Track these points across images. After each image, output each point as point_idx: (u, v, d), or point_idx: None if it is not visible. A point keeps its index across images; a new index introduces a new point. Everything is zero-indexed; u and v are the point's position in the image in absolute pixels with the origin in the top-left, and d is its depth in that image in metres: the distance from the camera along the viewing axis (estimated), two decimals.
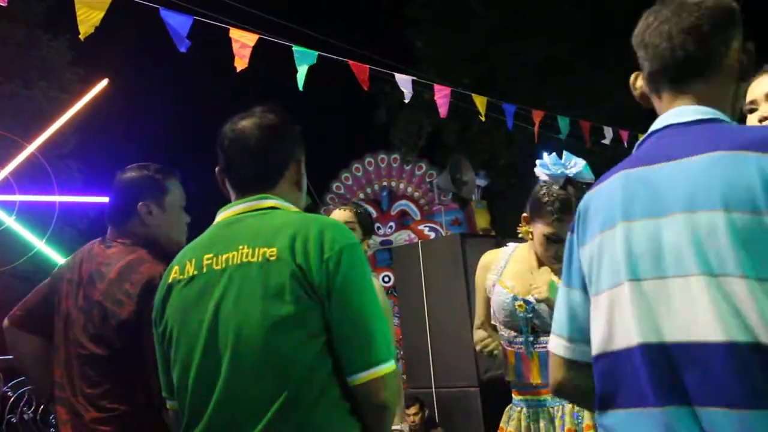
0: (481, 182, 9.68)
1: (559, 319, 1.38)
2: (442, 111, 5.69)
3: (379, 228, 12.21)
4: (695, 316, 1.12)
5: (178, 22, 3.82)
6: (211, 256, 1.54)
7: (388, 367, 1.45)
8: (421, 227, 12.06)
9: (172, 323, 1.56)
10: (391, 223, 12.16)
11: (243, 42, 4.06)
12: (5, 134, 7.93)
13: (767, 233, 1.08)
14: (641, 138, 1.35)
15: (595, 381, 1.27)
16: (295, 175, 1.66)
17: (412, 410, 5.54)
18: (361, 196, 12.89)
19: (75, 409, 1.99)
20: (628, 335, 1.19)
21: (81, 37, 3.39)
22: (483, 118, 6.39)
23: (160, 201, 2.14)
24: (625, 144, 8.15)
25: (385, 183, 12.90)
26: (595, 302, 1.28)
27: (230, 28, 4.16)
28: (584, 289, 1.33)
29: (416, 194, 12.66)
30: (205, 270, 1.53)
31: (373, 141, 13.50)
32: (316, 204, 12.25)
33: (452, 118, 7.82)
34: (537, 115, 7.37)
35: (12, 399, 6.48)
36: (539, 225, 2.42)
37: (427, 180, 12.45)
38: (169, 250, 2.11)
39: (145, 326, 1.82)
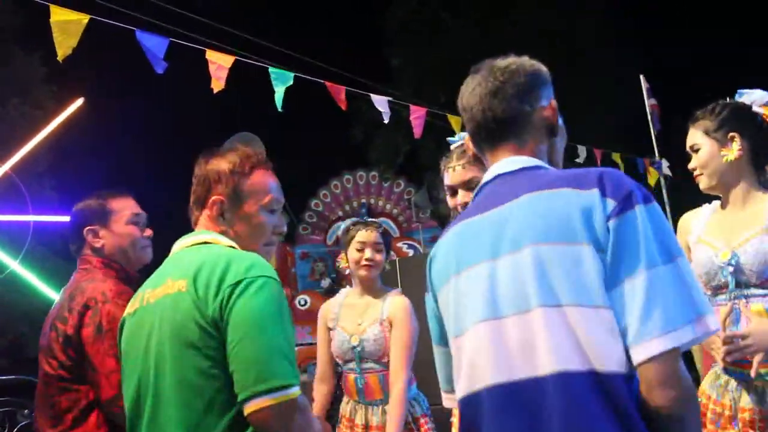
0: None
1: (442, 377, 1.50)
2: (417, 132, 5.75)
3: None
4: (536, 349, 1.17)
5: (154, 44, 3.83)
6: (150, 290, 1.63)
7: (274, 398, 1.40)
8: (399, 244, 12.09)
9: (123, 355, 1.66)
10: None
11: (219, 64, 4.08)
12: None
13: (586, 262, 1.16)
14: (477, 188, 1.45)
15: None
16: (212, 213, 1.69)
17: None
18: (340, 213, 12.90)
19: None
20: (479, 378, 1.25)
21: (59, 59, 3.40)
22: None
23: (104, 222, 2.24)
24: (598, 163, 8.27)
25: (363, 200, 12.94)
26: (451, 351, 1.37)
27: (206, 50, 4.18)
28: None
29: (395, 211, 12.71)
30: (145, 303, 1.63)
31: (351, 158, 13.56)
32: (293, 222, 12.25)
33: (429, 136, 7.88)
34: None
35: None
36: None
37: (405, 197, 12.52)
38: (129, 267, 2.25)
39: (87, 342, 1.98)
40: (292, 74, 4.57)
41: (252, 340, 1.43)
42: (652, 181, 8.43)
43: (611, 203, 1.18)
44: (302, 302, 11.70)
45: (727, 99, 2.18)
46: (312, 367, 8.30)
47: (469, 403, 1.28)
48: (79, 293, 2.08)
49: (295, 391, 1.43)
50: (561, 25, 12.94)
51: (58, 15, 3.48)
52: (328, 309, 3.07)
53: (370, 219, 3.12)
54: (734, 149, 2.05)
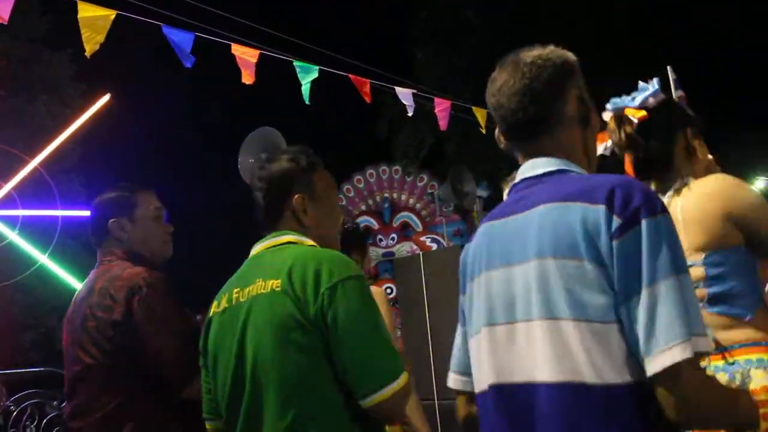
0: (483, 193, 9.69)
1: (453, 356, 1.56)
2: (442, 124, 5.73)
3: (381, 240, 12.22)
4: (535, 358, 1.22)
5: (181, 39, 3.86)
6: (238, 290, 1.70)
7: (391, 388, 1.54)
8: (423, 238, 12.08)
9: (211, 352, 1.72)
10: (393, 235, 12.18)
11: (245, 58, 4.10)
12: (8, 149, 7.96)
13: (587, 278, 1.18)
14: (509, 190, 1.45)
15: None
16: (295, 212, 1.77)
17: None
18: (363, 207, 12.92)
19: None
20: (486, 376, 1.33)
21: (87, 54, 3.45)
22: (483, 131, 6.42)
23: (130, 215, 2.25)
24: None
25: (386, 194, 12.93)
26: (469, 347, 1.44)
27: (232, 44, 4.19)
28: None
29: (418, 206, 12.68)
30: (234, 303, 1.69)
31: (374, 152, 13.55)
32: None
33: (454, 129, 7.86)
34: None
35: (15, 413, 6.49)
36: None
37: (429, 191, 12.49)
38: (153, 261, 2.24)
39: (142, 326, 1.98)
40: (316, 68, 4.57)
41: (364, 340, 1.55)
42: None
43: (617, 221, 1.18)
44: None
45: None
46: None
47: (481, 399, 1.36)
48: (117, 280, 2.07)
49: (406, 375, 1.58)
50: (585, 17, 12.81)
51: (86, 11, 3.52)
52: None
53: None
54: None
